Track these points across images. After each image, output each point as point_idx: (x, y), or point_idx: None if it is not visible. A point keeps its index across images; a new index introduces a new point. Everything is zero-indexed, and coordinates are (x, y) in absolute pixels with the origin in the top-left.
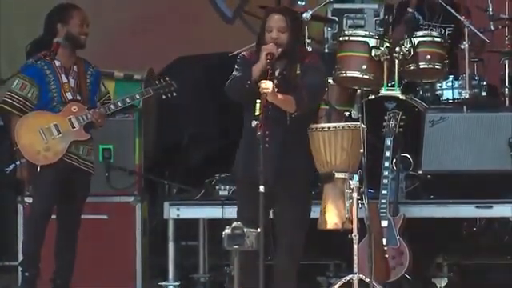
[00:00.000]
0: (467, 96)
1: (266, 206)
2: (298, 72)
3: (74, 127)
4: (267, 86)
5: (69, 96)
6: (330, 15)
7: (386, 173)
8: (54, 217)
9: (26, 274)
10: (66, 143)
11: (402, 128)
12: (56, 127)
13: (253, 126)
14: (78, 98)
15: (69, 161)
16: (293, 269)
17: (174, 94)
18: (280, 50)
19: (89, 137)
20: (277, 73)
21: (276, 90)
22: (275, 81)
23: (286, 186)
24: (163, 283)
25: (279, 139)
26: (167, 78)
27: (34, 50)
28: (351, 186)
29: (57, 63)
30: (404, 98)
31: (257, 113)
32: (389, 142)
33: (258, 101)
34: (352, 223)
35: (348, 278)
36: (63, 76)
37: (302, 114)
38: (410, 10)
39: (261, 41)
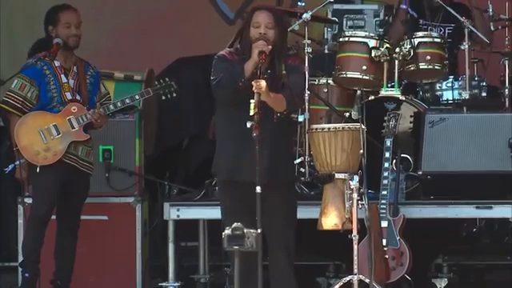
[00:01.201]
0: (467, 97)
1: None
2: (284, 72)
3: (73, 128)
4: (261, 85)
5: (68, 96)
6: (330, 16)
7: (385, 173)
8: (53, 217)
9: (26, 274)
10: (66, 144)
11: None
12: (55, 127)
13: (248, 126)
14: (78, 98)
15: (68, 161)
16: (291, 267)
17: (174, 95)
18: (270, 47)
19: (88, 137)
20: (259, 71)
21: None
22: (264, 76)
23: (277, 187)
24: (163, 284)
25: (269, 139)
26: (167, 79)
27: (36, 50)
28: (351, 187)
29: (56, 63)
30: (404, 98)
31: (251, 113)
32: (388, 142)
33: (252, 101)
34: (352, 224)
35: (348, 278)
36: (63, 76)
37: (285, 114)
38: (404, 6)
39: (244, 38)
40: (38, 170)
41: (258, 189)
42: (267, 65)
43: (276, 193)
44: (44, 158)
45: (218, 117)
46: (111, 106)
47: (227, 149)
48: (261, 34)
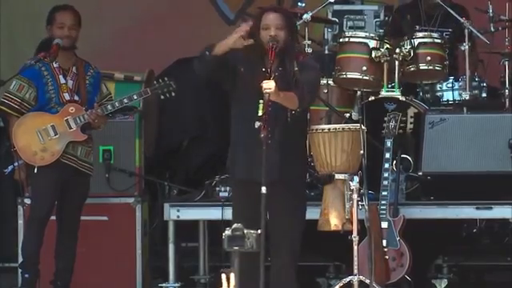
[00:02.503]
0: (467, 97)
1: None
2: (296, 69)
3: (70, 128)
4: (270, 85)
5: (66, 97)
6: (330, 16)
7: (386, 174)
8: (53, 217)
9: (26, 275)
10: (63, 144)
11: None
12: (53, 128)
13: (256, 126)
14: (76, 98)
15: (66, 162)
16: (293, 267)
17: (173, 94)
18: (278, 46)
19: (85, 137)
20: (270, 70)
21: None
22: (274, 75)
23: (287, 186)
24: (163, 284)
25: (280, 138)
26: (165, 78)
27: (41, 50)
28: (351, 188)
29: (55, 64)
30: (404, 99)
31: (260, 113)
32: (388, 143)
33: (261, 101)
34: (352, 224)
35: (348, 279)
36: (61, 77)
37: (300, 112)
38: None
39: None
40: (35, 170)
41: (264, 189)
42: (278, 63)
43: (286, 192)
44: (41, 158)
45: (232, 116)
46: (109, 107)
47: (242, 148)
48: (271, 36)
